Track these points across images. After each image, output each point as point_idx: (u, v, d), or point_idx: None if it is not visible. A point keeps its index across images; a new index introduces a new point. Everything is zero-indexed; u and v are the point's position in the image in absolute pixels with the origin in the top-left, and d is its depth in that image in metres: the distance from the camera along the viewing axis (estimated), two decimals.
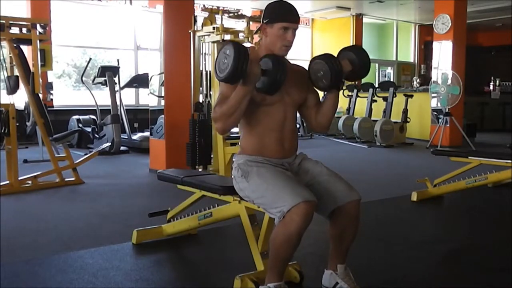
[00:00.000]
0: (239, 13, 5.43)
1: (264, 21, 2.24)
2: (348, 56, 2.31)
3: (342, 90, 10.81)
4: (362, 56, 2.33)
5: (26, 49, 5.33)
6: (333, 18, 12.64)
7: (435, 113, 9.18)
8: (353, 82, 11.62)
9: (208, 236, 3.31)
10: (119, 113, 7.67)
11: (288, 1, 2.28)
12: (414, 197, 4.45)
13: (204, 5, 5.70)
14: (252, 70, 2.07)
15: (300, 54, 12.49)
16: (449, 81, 8.46)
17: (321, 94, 2.38)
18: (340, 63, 2.24)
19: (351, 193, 2.21)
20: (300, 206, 1.98)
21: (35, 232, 3.43)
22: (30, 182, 4.87)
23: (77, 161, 5.29)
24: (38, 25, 5.05)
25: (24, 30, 5.03)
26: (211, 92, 5.32)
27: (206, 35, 5.21)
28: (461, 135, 8.65)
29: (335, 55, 2.32)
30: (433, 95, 8.93)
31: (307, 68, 2.36)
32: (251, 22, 5.13)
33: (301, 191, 2.04)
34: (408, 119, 9.08)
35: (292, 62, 2.44)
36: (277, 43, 2.23)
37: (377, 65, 14.07)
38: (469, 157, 4.36)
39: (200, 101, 5.30)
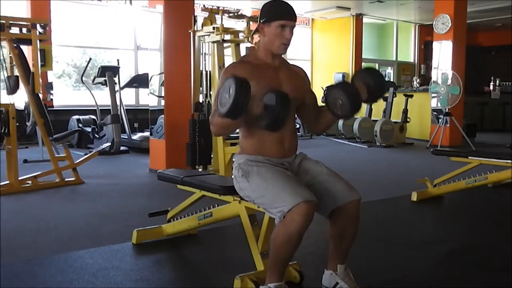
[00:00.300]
0: (239, 13, 5.42)
1: (261, 21, 2.25)
2: (365, 81, 2.26)
3: None
4: (379, 84, 2.30)
5: (26, 49, 5.33)
6: (333, 18, 12.63)
7: (435, 113, 9.18)
8: None
9: (208, 236, 3.31)
10: (119, 113, 7.67)
11: (288, 1, 2.29)
12: (414, 197, 4.45)
13: (204, 5, 5.70)
14: (253, 109, 2.06)
15: (300, 54, 12.51)
16: (449, 81, 8.46)
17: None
18: (359, 93, 2.19)
19: (351, 193, 2.21)
20: (300, 206, 1.98)
21: (35, 232, 3.43)
22: (30, 182, 4.86)
23: (77, 161, 5.29)
24: (38, 25, 5.05)
25: (24, 30, 5.03)
26: (211, 92, 5.32)
27: (206, 35, 5.21)
28: (461, 135, 8.65)
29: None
30: (433, 95, 8.93)
31: (307, 72, 2.36)
32: (251, 22, 5.13)
33: (302, 191, 2.04)
34: (408, 119, 9.08)
35: (292, 62, 2.44)
36: (275, 41, 2.24)
37: (377, 65, 14.06)
38: (469, 157, 4.36)
39: (200, 101, 5.30)
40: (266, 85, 2.19)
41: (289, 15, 2.23)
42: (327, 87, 2.27)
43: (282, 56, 2.36)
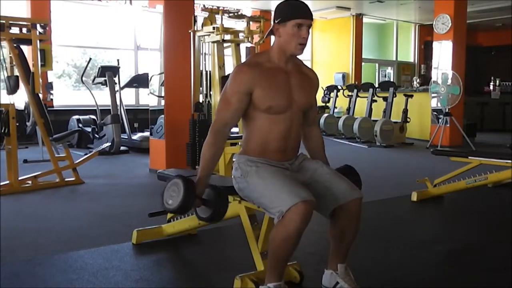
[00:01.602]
0: (239, 13, 5.42)
1: (276, 21, 2.18)
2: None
3: (342, 90, 10.88)
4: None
5: (26, 49, 5.33)
6: (333, 18, 12.63)
7: (435, 113, 9.17)
8: (353, 82, 11.65)
9: (208, 236, 3.31)
10: (119, 113, 7.67)
11: None
12: (414, 197, 4.45)
13: (204, 5, 5.70)
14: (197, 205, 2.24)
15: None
16: (449, 81, 8.45)
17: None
18: None
19: (352, 192, 2.19)
20: (298, 206, 1.97)
21: (35, 232, 3.43)
22: (30, 182, 4.86)
23: (77, 161, 5.29)
24: (38, 25, 5.05)
25: (24, 30, 5.03)
26: (211, 92, 5.31)
27: (206, 35, 5.20)
28: (461, 135, 8.64)
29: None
30: (433, 95, 8.93)
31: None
32: (251, 22, 5.13)
33: (299, 191, 2.03)
34: (408, 119, 9.08)
35: None
36: (292, 41, 2.17)
37: (377, 65, 14.08)
38: (469, 157, 4.35)
39: (200, 101, 5.30)
40: (275, 93, 2.18)
41: (306, 14, 2.16)
42: None
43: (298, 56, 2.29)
